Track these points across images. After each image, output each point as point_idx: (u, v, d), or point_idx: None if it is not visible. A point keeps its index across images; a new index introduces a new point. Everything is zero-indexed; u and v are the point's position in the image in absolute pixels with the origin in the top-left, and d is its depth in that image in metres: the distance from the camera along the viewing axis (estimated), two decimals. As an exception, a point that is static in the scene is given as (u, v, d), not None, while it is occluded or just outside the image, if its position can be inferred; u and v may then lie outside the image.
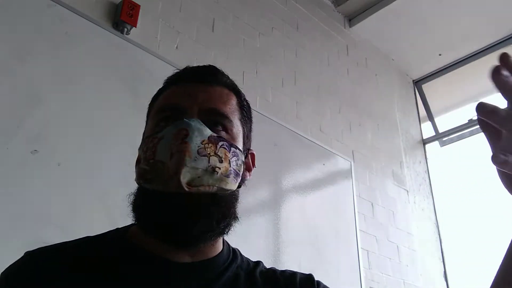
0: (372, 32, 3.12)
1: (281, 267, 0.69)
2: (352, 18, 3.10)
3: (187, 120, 0.56)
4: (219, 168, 0.56)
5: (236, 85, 0.67)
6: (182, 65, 2.13)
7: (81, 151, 1.39)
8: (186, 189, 0.53)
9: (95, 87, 1.50)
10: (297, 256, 1.90)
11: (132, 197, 0.58)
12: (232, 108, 0.63)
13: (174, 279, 0.57)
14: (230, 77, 0.68)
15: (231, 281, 0.61)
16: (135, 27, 1.75)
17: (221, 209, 0.56)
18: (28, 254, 0.59)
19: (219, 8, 2.20)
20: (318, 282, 0.65)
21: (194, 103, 0.59)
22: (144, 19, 1.82)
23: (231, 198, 0.59)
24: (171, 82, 0.65)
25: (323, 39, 2.84)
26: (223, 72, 0.66)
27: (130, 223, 0.66)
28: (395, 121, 3.16)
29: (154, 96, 0.67)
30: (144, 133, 0.65)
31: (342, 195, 2.32)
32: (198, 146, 0.55)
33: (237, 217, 0.59)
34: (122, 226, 0.66)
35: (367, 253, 2.35)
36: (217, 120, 0.60)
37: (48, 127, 1.34)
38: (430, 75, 3.50)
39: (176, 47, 1.91)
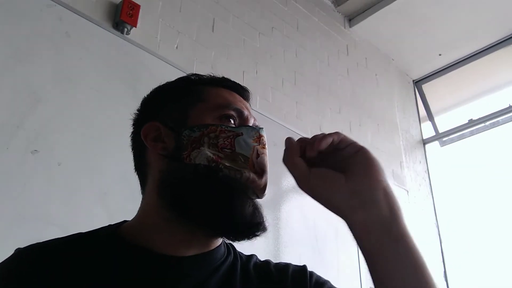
0: (372, 32, 3.12)
1: (281, 267, 0.69)
2: (352, 18, 3.10)
3: (263, 129, 0.64)
4: None
5: None
6: (182, 65, 2.12)
7: (81, 151, 1.39)
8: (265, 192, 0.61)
9: (95, 87, 1.49)
10: (297, 256, 1.90)
11: (192, 176, 0.57)
12: None
13: (171, 273, 0.57)
14: (230, 77, 0.70)
15: (227, 274, 0.61)
16: (135, 27, 1.75)
17: None
18: (19, 252, 0.59)
19: (219, 8, 2.20)
20: (311, 273, 0.65)
21: (249, 115, 0.66)
22: (144, 19, 1.82)
23: None
24: (219, 83, 0.68)
25: (323, 39, 2.84)
26: None
27: (123, 220, 0.66)
28: (395, 121, 3.16)
29: (192, 83, 0.68)
30: (177, 117, 0.63)
31: (342, 195, 2.31)
32: None
33: None
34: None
35: (367, 253, 2.35)
36: None
37: (48, 127, 1.34)
38: (430, 75, 3.50)
39: (176, 47, 1.91)
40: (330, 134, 0.54)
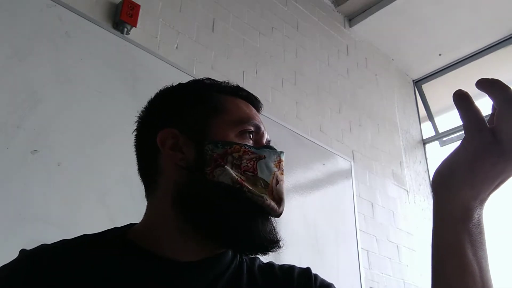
0: (372, 32, 3.12)
1: (281, 267, 0.69)
2: (352, 18, 3.10)
3: (283, 154, 0.63)
4: None
5: None
6: (182, 65, 2.12)
7: (81, 151, 1.39)
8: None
9: (95, 87, 1.49)
10: (297, 256, 1.90)
11: (214, 193, 0.57)
12: None
13: (178, 278, 0.57)
14: (230, 77, 0.70)
15: (234, 277, 0.61)
16: (135, 27, 1.75)
17: None
18: (24, 254, 0.58)
19: (219, 8, 2.20)
20: (315, 276, 0.65)
21: (265, 129, 0.66)
22: (144, 19, 1.82)
23: None
24: (235, 92, 0.67)
25: (323, 39, 2.84)
26: None
27: (129, 223, 0.66)
28: (395, 121, 3.16)
29: (207, 89, 0.66)
30: (196, 126, 0.61)
31: (342, 195, 2.32)
32: None
33: None
34: (122, 225, 0.65)
35: (367, 253, 2.35)
36: None
37: (48, 127, 1.34)
38: (430, 75, 3.51)
39: (176, 47, 1.91)
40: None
